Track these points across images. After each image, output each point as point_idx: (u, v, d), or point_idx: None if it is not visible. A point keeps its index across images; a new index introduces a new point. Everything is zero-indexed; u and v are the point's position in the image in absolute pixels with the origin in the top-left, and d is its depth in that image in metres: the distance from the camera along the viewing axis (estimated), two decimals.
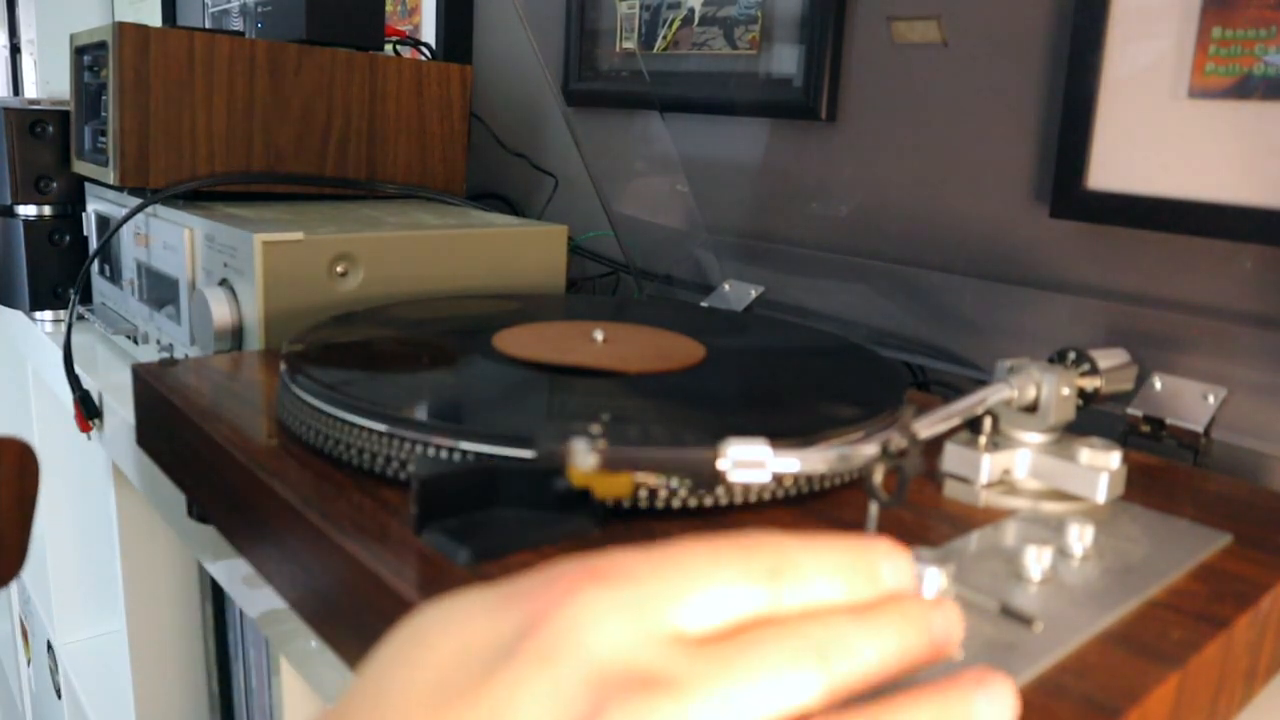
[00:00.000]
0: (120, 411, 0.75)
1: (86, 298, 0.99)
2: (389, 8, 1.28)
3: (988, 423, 0.43)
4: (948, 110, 0.70)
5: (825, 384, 0.56)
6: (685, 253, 0.92)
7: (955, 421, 0.40)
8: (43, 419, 1.25)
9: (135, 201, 0.79)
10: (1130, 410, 0.54)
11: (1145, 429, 0.54)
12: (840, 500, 0.42)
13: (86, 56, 0.88)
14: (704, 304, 0.79)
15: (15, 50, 2.35)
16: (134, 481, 0.74)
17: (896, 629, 0.24)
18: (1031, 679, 0.29)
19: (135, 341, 0.86)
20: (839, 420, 0.45)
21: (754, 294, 0.79)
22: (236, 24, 1.61)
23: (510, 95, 1.16)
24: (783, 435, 0.37)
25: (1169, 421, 0.53)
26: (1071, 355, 0.46)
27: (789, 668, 0.22)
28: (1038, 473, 0.43)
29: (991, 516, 0.41)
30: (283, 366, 0.49)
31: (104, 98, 0.82)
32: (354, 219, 0.77)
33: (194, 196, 0.82)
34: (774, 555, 0.24)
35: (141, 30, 0.78)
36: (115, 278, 0.90)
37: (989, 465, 0.42)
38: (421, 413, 0.44)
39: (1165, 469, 0.49)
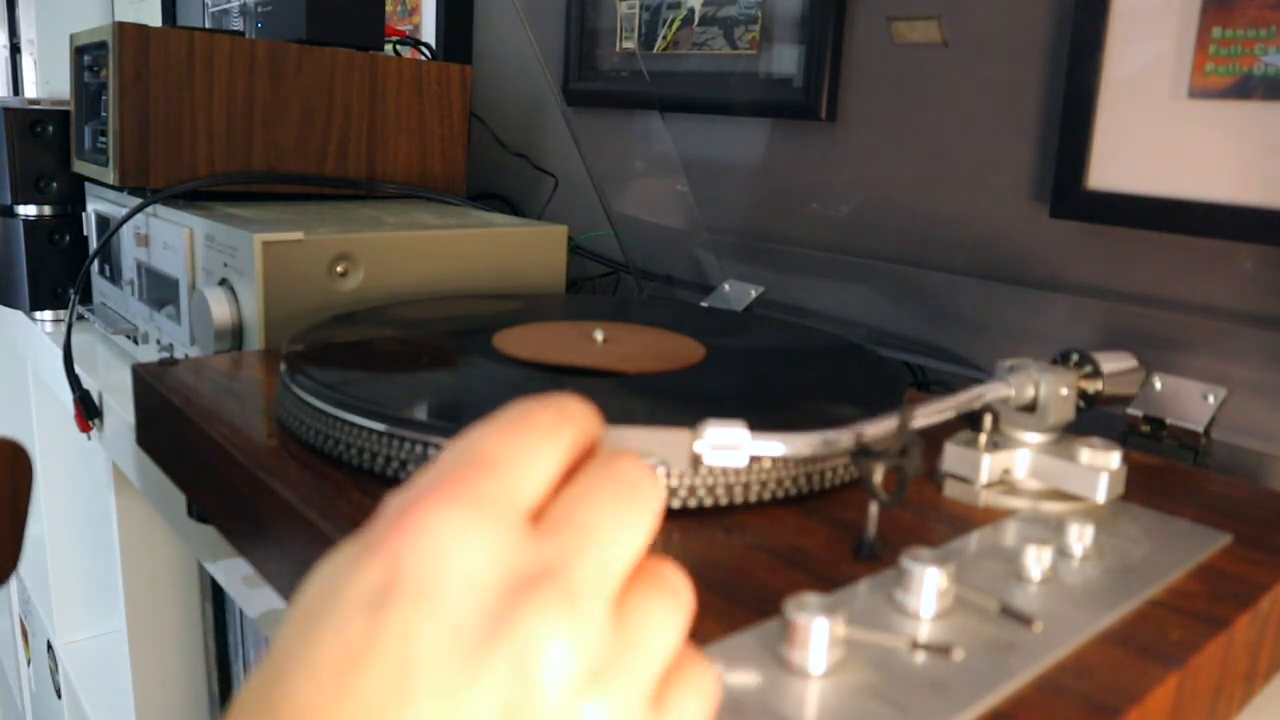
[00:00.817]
0: (120, 411, 0.75)
1: (86, 298, 0.99)
2: (389, 8, 1.28)
3: (988, 422, 0.43)
4: (948, 110, 0.70)
5: (825, 384, 0.56)
6: (685, 253, 0.92)
7: (949, 414, 0.40)
8: (43, 419, 1.25)
9: (135, 201, 0.79)
10: (1130, 410, 0.54)
11: (1145, 429, 0.54)
12: (842, 500, 0.42)
13: (86, 56, 0.88)
14: (704, 304, 0.79)
15: (15, 50, 2.36)
16: (134, 481, 0.74)
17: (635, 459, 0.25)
18: (1031, 679, 0.29)
19: (135, 341, 0.86)
20: (839, 420, 0.45)
21: (754, 294, 0.79)
22: (236, 24, 1.61)
23: (510, 95, 1.16)
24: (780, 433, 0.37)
25: (1169, 421, 0.53)
26: (1075, 357, 0.46)
27: (625, 512, 0.24)
28: (1038, 473, 0.43)
29: (991, 516, 0.41)
30: (283, 366, 0.49)
31: (104, 98, 0.82)
32: (354, 219, 0.77)
33: (194, 196, 0.82)
34: (554, 412, 0.25)
35: (141, 30, 0.78)
36: (115, 278, 0.90)
37: (989, 465, 0.42)
38: (421, 413, 0.44)
39: (1165, 469, 0.49)
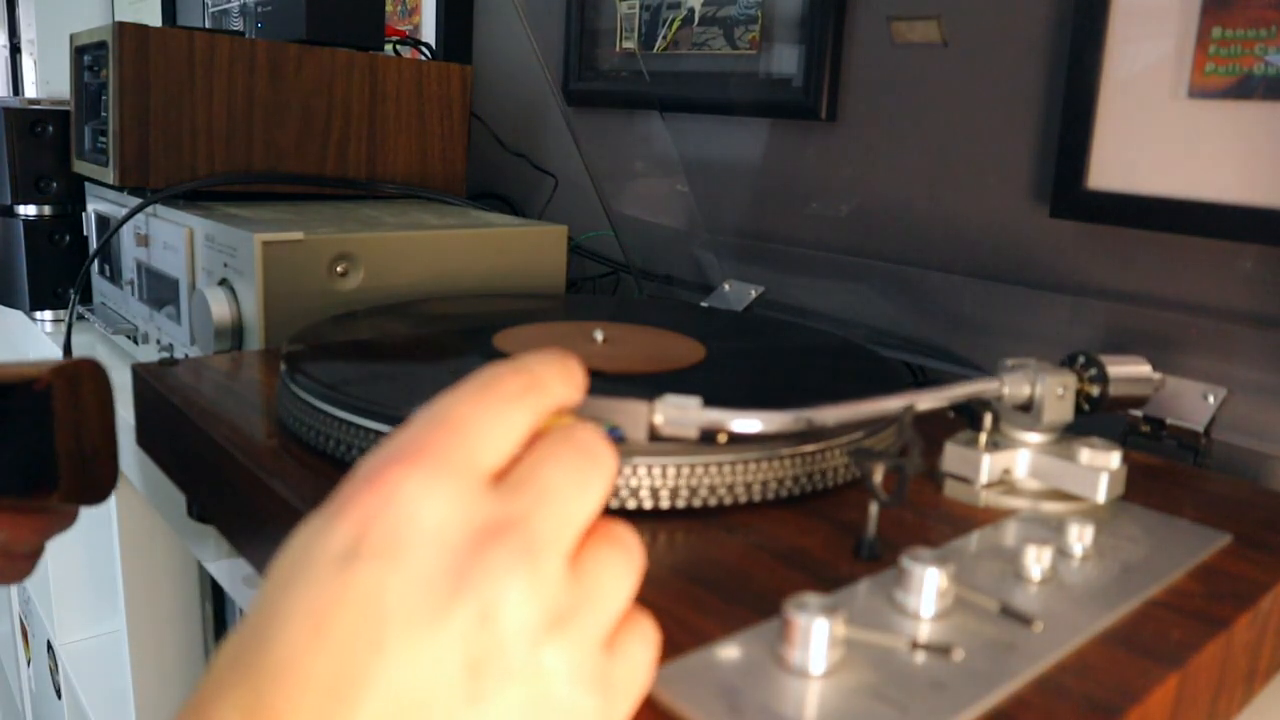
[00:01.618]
0: (120, 411, 0.75)
1: (86, 298, 0.99)
2: (389, 8, 1.28)
3: (988, 421, 0.43)
4: (948, 110, 0.70)
5: (825, 384, 0.56)
6: (685, 253, 0.92)
7: (941, 404, 0.40)
8: None
9: (135, 201, 0.79)
10: (1130, 410, 0.54)
11: (1145, 429, 0.54)
12: (842, 500, 0.42)
13: (86, 56, 0.88)
14: (704, 304, 0.79)
15: (15, 50, 2.35)
16: (134, 481, 0.74)
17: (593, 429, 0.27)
18: (1031, 679, 0.29)
19: (135, 341, 0.86)
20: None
21: (754, 294, 0.79)
22: (236, 24, 1.61)
23: (510, 95, 1.16)
24: None
25: (1169, 421, 0.53)
26: (1080, 359, 0.46)
27: (583, 475, 0.25)
28: (1038, 473, 0.43)
29: (991, 516, 0.41)
30: (282, 366, 0.49)
31: (104, 98, 0.82)
32: (354, 219, 0.77)
33: (194, 196, 0.82)
34: (524, 377, 0.26)
35: (141, 30, 0.78)
36: (115, 278, 0.90)
37: (989, 465, 0.42)
38: None
39: (1165, 469, 0.49)
